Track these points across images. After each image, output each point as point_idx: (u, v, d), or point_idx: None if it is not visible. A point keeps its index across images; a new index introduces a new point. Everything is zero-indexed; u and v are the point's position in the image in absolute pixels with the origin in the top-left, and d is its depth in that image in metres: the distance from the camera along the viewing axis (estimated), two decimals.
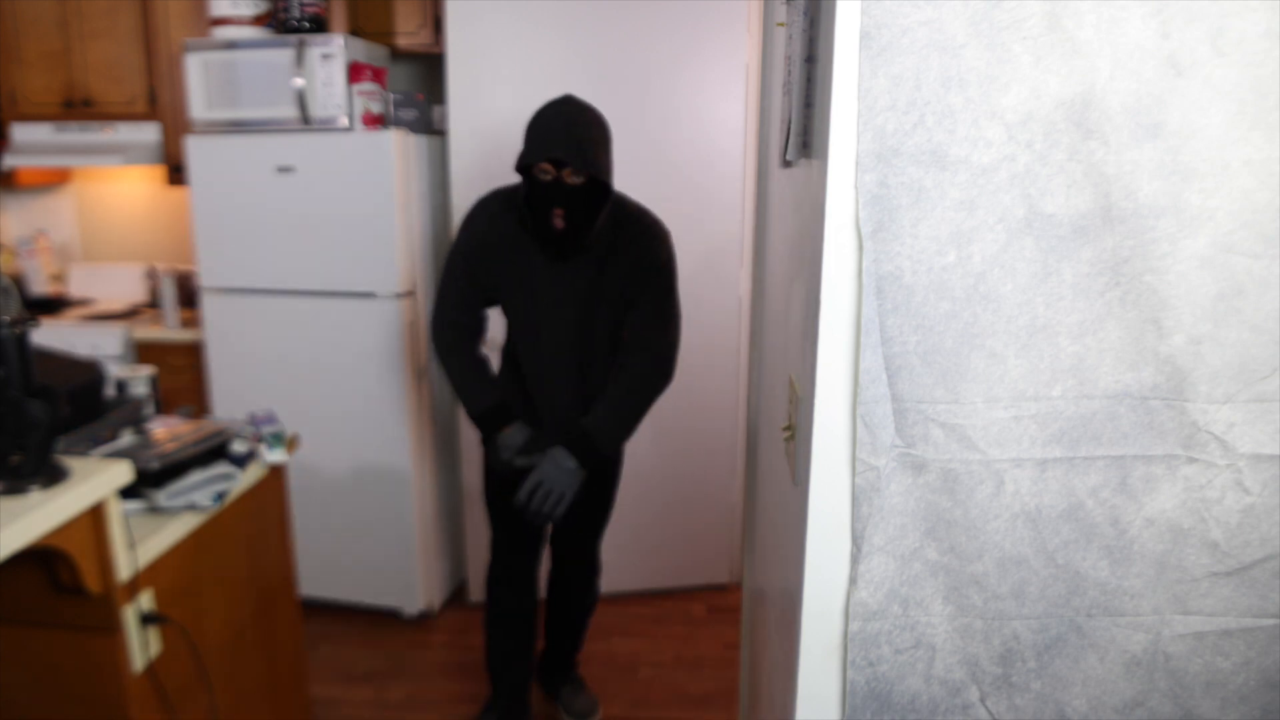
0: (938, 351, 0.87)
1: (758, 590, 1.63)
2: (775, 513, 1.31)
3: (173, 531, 1.51)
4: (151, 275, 3.51)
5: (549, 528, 2.29)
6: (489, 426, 2.05)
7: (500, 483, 2.14)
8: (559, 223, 1.86)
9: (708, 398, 2.97)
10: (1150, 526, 0.90)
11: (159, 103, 3.18)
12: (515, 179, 1.98)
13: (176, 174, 3.16)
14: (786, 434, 1.14)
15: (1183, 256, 0.83)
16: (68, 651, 1.39)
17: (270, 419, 1.85)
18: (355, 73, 2.62)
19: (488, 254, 2.00)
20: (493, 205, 2.02)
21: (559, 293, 1.99)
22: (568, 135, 1.83)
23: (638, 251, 1.99)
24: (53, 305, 3.44)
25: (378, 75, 2.68)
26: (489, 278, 2.02)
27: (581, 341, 2.04)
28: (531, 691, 2.39)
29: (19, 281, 3.48)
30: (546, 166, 1.84)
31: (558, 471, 1.98)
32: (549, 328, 2.03)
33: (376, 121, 2.67)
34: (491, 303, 2.08)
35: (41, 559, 1.31)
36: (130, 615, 1.39)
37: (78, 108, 3.23)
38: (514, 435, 2.04)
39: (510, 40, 2.65)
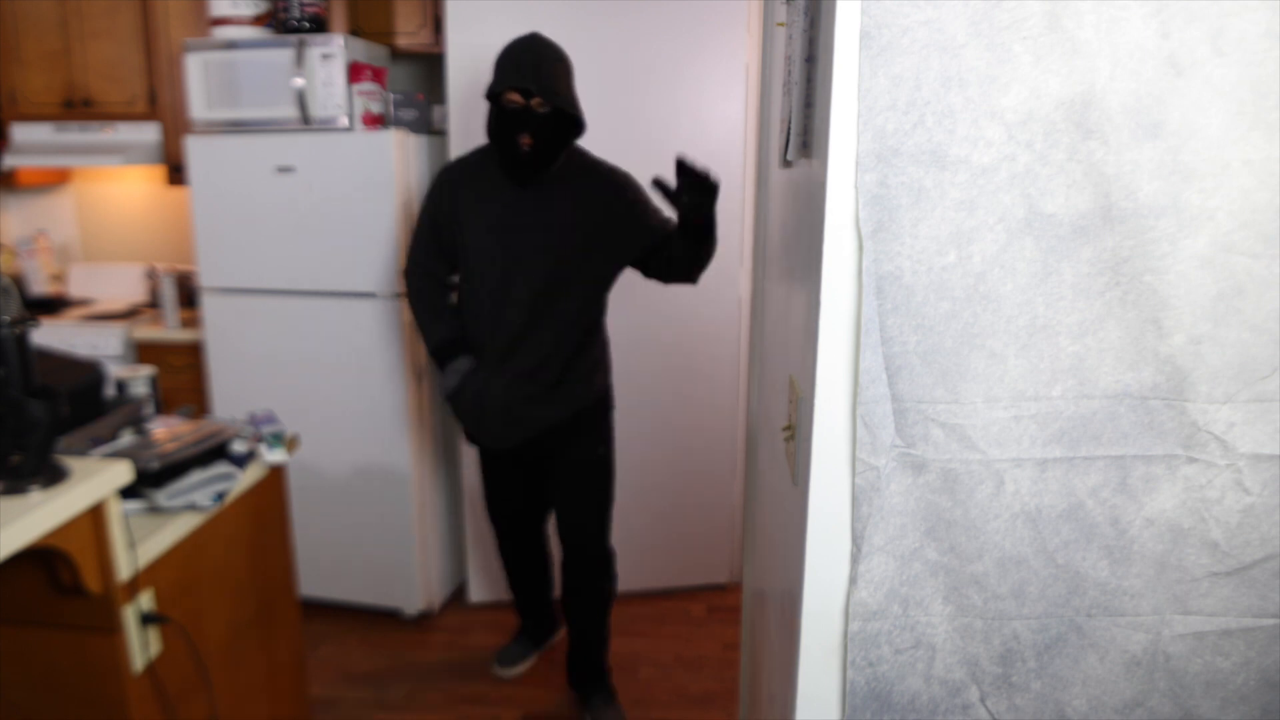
0: (938, 351, 0.87)
1: (758, 590, 1.63)
2: (775, 513, 1.31)
3: (173, 531, 1.51)
4: (151, 275, 3.51)
5: (547, 525, 2.40)
6: (444, 356, 2.23)
7: (492, 465, 2.37)
8: (525, 145, 2.01)
9: (708, 398, 2.97)
10: (1150, 526, 0.90)
11: (159, 103, 3.18)
12: None
13: (176, 174, 3.15)
14: (786, 434, 1.14)
15: (1183, 256, 0.83)
16: (68, 651, 1.39)
17: (270, 419, 1.85)
18: (355, 73, 2.62)
19: (452, 189, 2.18)
20: (453, 161, 2.28)
21: (526, 221, 2.11)
22: (535, 68, 2.01)
23: (601, 179, 2.16)
24: (53, 305, 3.43)
25: (378, 75, 2.68)
26: (451, 215, 2.18)
27: (547, 271, 2.12)
28: (553, 605, 2.59)
29: (19, 281, 3.47)
30: (515, 96, 2.00)
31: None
32: (511, 253, 2.13)
33: (376, 121, 2.67)
34: (453, 248, 2.22)
35: (41, 559, 1.31)
36: (130, 615, 1.39)
37: (78, 108, 3.23)
38: (461, 362, 2.21)
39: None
